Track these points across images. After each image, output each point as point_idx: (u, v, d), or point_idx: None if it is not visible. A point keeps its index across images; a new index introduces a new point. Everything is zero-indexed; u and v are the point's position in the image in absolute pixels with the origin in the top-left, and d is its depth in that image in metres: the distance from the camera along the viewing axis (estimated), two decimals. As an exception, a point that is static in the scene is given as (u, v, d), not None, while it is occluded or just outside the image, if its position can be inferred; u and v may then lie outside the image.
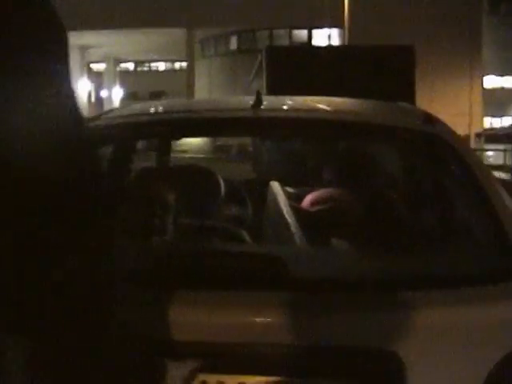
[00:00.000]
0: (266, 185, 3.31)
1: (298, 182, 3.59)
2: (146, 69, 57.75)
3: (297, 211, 2.81)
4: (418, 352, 1.83)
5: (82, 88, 46.09)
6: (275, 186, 3.13)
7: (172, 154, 4.18)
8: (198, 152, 17.60)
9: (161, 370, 1.77)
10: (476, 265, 2.12)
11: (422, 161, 2.94)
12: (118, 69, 53.96)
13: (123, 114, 2.89)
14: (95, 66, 54.34)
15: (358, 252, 2.55)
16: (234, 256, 2.19)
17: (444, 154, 2.47)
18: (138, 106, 3.14)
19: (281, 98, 3.17)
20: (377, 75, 7.55)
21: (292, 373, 1.87)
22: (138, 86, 52.35)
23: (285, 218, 2.63)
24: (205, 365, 1.87)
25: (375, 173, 3.22)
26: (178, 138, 4.38)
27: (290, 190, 3.40)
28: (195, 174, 2.97)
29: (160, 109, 2.92)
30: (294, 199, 3.20)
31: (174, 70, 53.98)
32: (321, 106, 2.74)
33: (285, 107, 2.88)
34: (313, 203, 3.11)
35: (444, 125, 2.59)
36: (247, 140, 5.74)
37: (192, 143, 18.45)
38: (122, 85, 51.40)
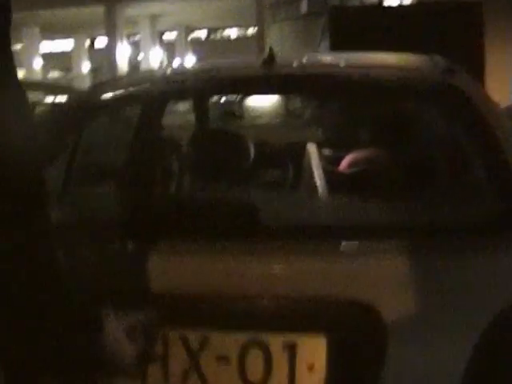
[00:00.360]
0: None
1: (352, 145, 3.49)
2: (218, 36, 57.90)
3: (330, 173, 2.73)
4: (398, 303, 1.73)
5: (154, 57, 46.41)
6: (312, 148, 3.04)
7: (242, 121, 4.36)
8: (271, 117, 17.57)
9: (120, 323, 1.65)
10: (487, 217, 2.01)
11: (439, 112, 2.79)
12: (189, 37, 54.23)
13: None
14: (167, 35, 54.67)
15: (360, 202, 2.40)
16: (204, 206, 2.12)
17: (460, 105, 2.33)
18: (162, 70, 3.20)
19: (299, 55, 3.08)
20: (442, 34, 7.27)
21: (260, 327, 1.78)
22: (211, 53, 52.67)
23: (315, 181, 2.52)
24: (167, 318, 1.77)
25: (412, 132, 3.11)
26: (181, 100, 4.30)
27: (328, 152, 3.36)
28: (224, 138, 2.92)
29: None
30: (332, 162, 3.10)
31: (246, 37, 53.94)
32: (335, 60, 2.65)
33: (295, 63, 2.77)
34: (350, 165, 2.97)
35: (465, 77, 2.50)
36: (321, 105, 5.75)
37: (264, 108, 18.46)
38: (194, 53, 51.60)
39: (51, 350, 1.39)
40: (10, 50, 1.27)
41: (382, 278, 1.75)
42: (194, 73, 2.77)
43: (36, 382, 1.60)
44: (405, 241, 1.84)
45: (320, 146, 3.40)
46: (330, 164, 3.02)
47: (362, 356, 1.74)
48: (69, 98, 2.91)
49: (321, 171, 2.65)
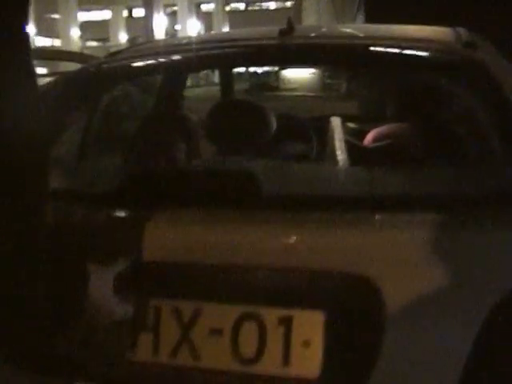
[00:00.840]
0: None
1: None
2: (256, 8, 57.53)
3: (353, 147, 2.67)
4: (397, 279, 1.66)
5: (192, 29, 46.28)
6: (336, 121, 3.00)
7: (278, 92, 4.29)
8: (307, 90, 17.48)
9: (112, 289, 1.64)
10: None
11: (460, 87, 2.72)
12: (227, 8, 53.97)
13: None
14: (204, 6, 54.43)
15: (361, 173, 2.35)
16: (208, 175, 2.07)
17: (479, 80, 2.26)
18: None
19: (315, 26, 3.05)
20: (481, 6, 7.14)
21: (255, 300, 1.72)
22: (248, 24, 52.37)
23: (337, 154, 2.49)
24: (160, 288, 1.74)
25: (436, 106, 3.05)
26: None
27: (352, 125, 3.29)
28: (245, 110, 2.88)
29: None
30: (357, 135, 3.04)
31: (285, 8, 53.50)
32: (356, 32, 2.60)
33: (313, 34, 2.73)
34: (374, 139, 2.96)
35: (490, 51, 2.42)
36: (358, 79, 5.69)
37: (301, 81, 18.37)
38: (232, 24, 51.34)
39: (42, 315, 1.41)
40: (29, 44, 1.30)
41: (387, 253, 1.69)
42: (208, 42, 2.73)
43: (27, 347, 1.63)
44: (419, 214, 1.80)
45: (348, 120, 3.36)
46: (354, 138, 2.97)
47: (360, 334, 1.66)
48: (86, 66, 2.86)
49: (343, 145, 2.60)
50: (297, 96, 14.98)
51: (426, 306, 1.66)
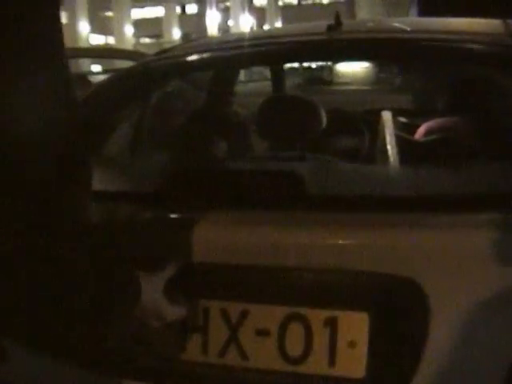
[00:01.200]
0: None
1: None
2: (309, 2, 57.41)
3: (404, 141, 2.65)
4: (441, 280, 1.63)
5: (244, 23, 46.37)
6: (386, 116, 2.97)
7: (332, 87, 4.30)
8: (361, 84, 17.38)
9: (161, 291, 1.63)
10: None
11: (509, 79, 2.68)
12: (280, 2, 53.96)
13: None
14: (257, 1, 54.49)
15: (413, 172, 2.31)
16: (251, 174, 2.05)
17: None
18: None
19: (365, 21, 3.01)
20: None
21: (301, 301, 1.72)
22: (301, 19, 52.24)
23: (388, 148, 2.46)
24: (208, 289, 1.75)
25: (489, 100, 2.99)
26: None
27: (404, 119, 3.26)
28: (295, 104, 2.87)
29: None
30: (408, 129, 3.03)
31: (338, 2, 53.32)
32: (403, 26, 2.56)
33: (361, 29, 2.71)
34: (426, 133, 2.91)
35: None
36: (411, 72, 5.65)
37: (355, 75, 18.27)
38: (285, 19, 51.31)
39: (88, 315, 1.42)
40: (63, 43, 1.31)
41: (434, 254, 1.65)
42: (256, 38, 2.72)
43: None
44: (469, 214, 1.76)
45: (401, 114, 3.33)
46: (406, 132, 2.93)
47: (405, 334, 1.65)
48: (138, 64, 2.87)
49: (395, 139, 2.57)
50: (350, 90, 14.88)
51: (473, 307, 1.64)
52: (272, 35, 2.85)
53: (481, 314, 1.64)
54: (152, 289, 1.60)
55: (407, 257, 1.67)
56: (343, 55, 2.74)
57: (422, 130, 3.00)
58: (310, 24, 3.03)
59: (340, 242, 1.71)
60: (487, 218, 1.72)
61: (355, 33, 2.58)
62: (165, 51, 2.89)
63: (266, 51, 2.53)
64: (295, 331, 1.73)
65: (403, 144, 2.55)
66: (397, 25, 2.72)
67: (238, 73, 3.87)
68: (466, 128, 2.80)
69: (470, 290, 1.63)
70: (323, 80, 20.43)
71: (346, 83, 18.26)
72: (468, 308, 1.63)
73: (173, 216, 1.87)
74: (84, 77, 7.55)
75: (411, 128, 3.09)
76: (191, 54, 2.67)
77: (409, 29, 2.59)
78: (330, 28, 2.41)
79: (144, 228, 1.84)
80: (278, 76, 4.20)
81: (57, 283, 1.30)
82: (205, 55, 2.63)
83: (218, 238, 1.77)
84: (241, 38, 2.84)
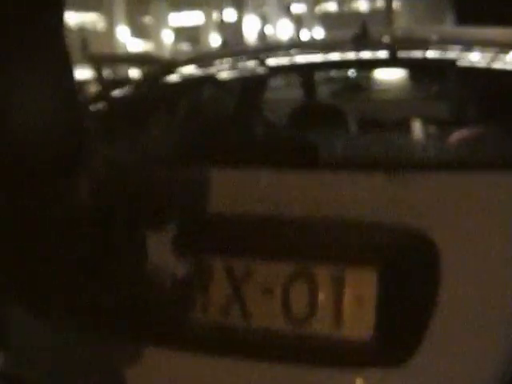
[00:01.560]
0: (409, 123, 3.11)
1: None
2: (346, 9, 57.17)
3: (436, 149, 2.61)
4: (463, 237, 1.60)
5: (282, 30, 46.35)
6: (419, 122, 2.95)
7: (368, 94, 4.32)
8: (397, 91, 17.28)
9: (165, 245, 1.66)
10: None
11: None
12: (317, 9, 53.83)
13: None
14: (294, 7, 54.40)
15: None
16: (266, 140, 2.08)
17: None
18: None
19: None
20: None
21: (307, 257, 1.70)
22: (339, 26, 52.07)
23: (418, 155, 2.44)
24: (212, 245, 1.74)
25: None
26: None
27: (433, 128, 3.24)
28: (321, 110, 2.87)
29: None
30: (438, 138, 2.98)
31: (375, 10, 53.02)
32: (434, 36, 2.56)
33: (387, 40, 2.71)
34: (458, 141, 2.90)
35: None
36: (447, 81, 5.63)
37: (392, 82, 18.16)
38: (322, 25, 51.18)
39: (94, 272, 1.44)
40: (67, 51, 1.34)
41: (445, 208, 1.64)
42: (283, 47, 2.74)
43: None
44: (484, 173, 1.74)
45: (435, 121, 3.32)
46: (438, 139, 2.93)
47: (414, 291, 1.62)
48: (164, 70, 2.89)
49: (426, 146, 2.56)
50: (387, 96, 14.82)
51: (486, 264, 1.61)
52: (298, 44, 2.87)
53: (494, 271, 1.61)
54: (156, 246, 1.60)
55: (419, 211, 1.64)
56: (366, 66, 2.74)
57: (452, 137, 2.99)
58: (337, 33, 3.04)
59: (345, 193, 1.70)
60: (502, 176, 1.71)
61: (379, 44, 2.58)
62: (193, 59, 2.92)
63: (291, 61, 2.55)
64: (300, 289, 1.69)
65: (434, 151, 2.54)
66: (425, 35, 2.72)
67: (266, 81, 3.91)
68: (497, 137, 2.79)
69: (483, 246, 1.61)
70: (360, 86, 20.34)
71: (383, 90, 18.19)
72: (481, 265, 1.60)
73: (178, 173, 1.86)
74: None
75: (444, 135, 3.08)
76: (221, 61, 2.70)
77: (436, 39, 2.58)
78: (355, 37, 2.39)
79: (148, 184, 1.84)
80: (308, 84, 4.22)
81: (62, 244, 1.33)
82: (234, 63, 2.65)
83: (223, 191, 1.76)
84: (269, 46, 2.87)
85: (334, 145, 2.03)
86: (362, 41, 2.39)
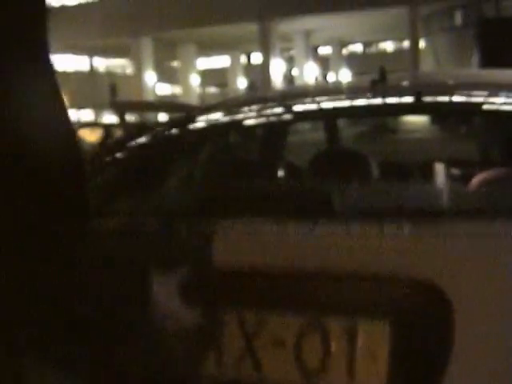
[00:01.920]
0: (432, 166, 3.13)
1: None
2: (373, 50, 57.45)
3: (459, 193, 2.58)
4: (475, 291, 1.57)
5: (308, 72, 46.62)
6: (439, 167, 2.94)
7: (396, 135, 4.28)
8: (425, 132, 17.30)
9: (178, 297, 1.66)
10: None
11: None
12: (344, 51, 54.16)
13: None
14: (321, 50, 54.78)
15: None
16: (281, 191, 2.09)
17: None
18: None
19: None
20: None
21: (320, 311, 1.68)
22: (366, 67, 52.24)
23: (441, 200, 2.38)
24: (225, 298, 1.73)
25: None
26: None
27: (456, 171, 3.22)
28: (345, 158, 2.87)
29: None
30: (461, 181, 2.98)
31: (401, 50, 53.24)
32: (454, 80, 2.54)
33: (406, 85, 2.69)
34: (480, 185, 2.89)
35: None
36: (475, 124, 5.62)
37: (420, 124, 18.16)
38: (349, 67, 51.42)
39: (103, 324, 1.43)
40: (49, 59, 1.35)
41: (458, 261, 1.61)
42: (302, 94, 2.76)
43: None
44: (491, 222, 1.72)
45: (457, 164, 3.32)
46: (459, 182, 2.91)
47: (428, 345, 1.59)
48: (188, 116, 2.92)
49: (448, 190, 2.54)
50: (414, 138, 14.79)
51: (498, 314, 1.59)
52: (317, 91, 2.89)
53: (509, 325, 1.58)
54: (167, 297, 1.61)
55: (430, 263, 1.63)
56: (384, 112, 2.73)
57: (475, 180, 2.98)
58: (356, 78, 3.07)
59: (357, 247, 1.68)
60: (509, 226, 1.68)
61: (398, 90, 2.55)
62: (214, 106, 2.95)
63: (310, 108, 2.57)
64: (313, 342, 1.68)
65: (455, 194, 2.54)
66: (445, 79, 2.71)
67: (288, 127, 3.92)
68: None
69: (498, 300, 1.58)
70: (388, 128, 20.34)
71: (411, 131, 18.18)
72: (496, 318, 1.58)
73: (189, 226, 1.85)
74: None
75: (466, 178, 3.07)
76: (243, 108, 2.73)
77: (453, 83, 2.59)
78: (373, 83, 2.42)
79: (159, 238, 1.85)
80: (330, 129, 4.21)
81: (70, 290, 1.33)
82: (257, 110, 2.68)
83: (234, 246, 1.76)
84: (288, 93, 2.89)
85: (351, 193, 2.03)
86: (379, 86, 2.38)
